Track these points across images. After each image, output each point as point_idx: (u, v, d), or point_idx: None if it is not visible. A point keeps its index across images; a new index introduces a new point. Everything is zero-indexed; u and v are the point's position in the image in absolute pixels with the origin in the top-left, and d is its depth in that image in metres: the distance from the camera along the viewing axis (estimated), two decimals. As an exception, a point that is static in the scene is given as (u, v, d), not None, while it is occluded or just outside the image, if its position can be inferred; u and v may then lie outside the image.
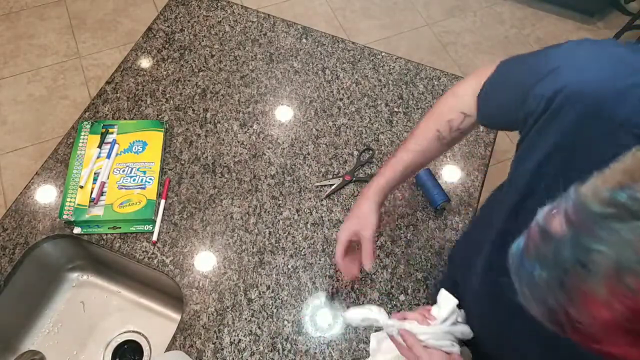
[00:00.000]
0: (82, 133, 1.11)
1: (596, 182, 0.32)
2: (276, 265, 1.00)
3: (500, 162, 2.03)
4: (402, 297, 0.98)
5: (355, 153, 1.15)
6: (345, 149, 1.16)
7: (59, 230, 1.02)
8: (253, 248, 1.02)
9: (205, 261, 1.00)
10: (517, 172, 0.59)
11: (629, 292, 0.28)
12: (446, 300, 0.74)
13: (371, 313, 0.75)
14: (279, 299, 0.97)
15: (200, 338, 0.92)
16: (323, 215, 1.07)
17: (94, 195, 1.03)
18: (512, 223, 0.57)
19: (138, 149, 1.10)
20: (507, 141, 2.16)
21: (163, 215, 1.04)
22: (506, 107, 0.62)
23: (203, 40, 1.31)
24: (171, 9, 1.36)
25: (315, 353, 0.92)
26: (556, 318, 0.33)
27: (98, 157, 1.08)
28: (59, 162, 1.10)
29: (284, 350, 0.92)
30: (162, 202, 1.05)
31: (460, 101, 0.77)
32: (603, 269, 0.29)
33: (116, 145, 1.10)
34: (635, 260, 0.28)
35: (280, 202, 1.08)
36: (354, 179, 1.11)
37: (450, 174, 1.14)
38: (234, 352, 0.91)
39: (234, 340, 0.93)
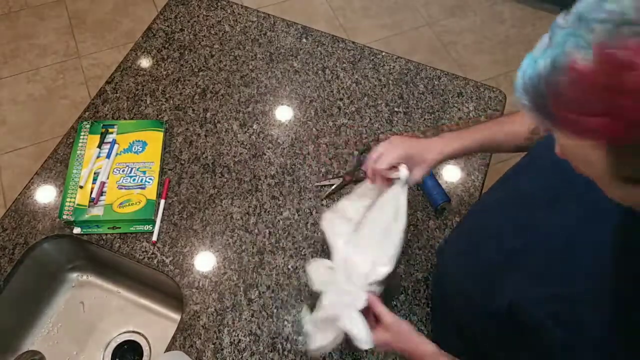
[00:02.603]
0: (82, 133, 1.11)
1: None
2: (276, 265, 1.00)
3: (500, 162, 2.03)
4: (402, 297, 0.98)
5: (355, 153, 1.15)
6: (345, 149, 1.16)
7: (58, 230, 1.02)
8: (253, 248, 1.02)
9: (205, 261, 1.00)
10: None
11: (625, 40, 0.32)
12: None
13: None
14: (279, 299, 0.97)
15: (200, 338, 0.92)
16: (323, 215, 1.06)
17: (93, 195, 1.03)
18: None
19: (138, 149, 1.10)
20: (507, 141, 2.16)
21: (163, 215, 1.04)
22: None
23: (203, 40, 1.31)
24: (171, 8, 1.36)
25: (315, 353, 0.92)
26: (548, 86, 0.37)
27: (98, 157, 1.08)
28: (58, 162, 1.10)
29: (284, 350, 0.92)
30: (162, 202, 1.05)
31: None
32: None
33: (116, 145, 1.10)
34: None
35: (280, 202, 1.08)
36: (354, 179, 1.10)
37: (451, 174, 1.14)
38: (234, 352, 0.91)
39: (234, 340, 0.93)
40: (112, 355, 1.08)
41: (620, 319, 0.49)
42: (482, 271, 0.69)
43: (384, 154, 0.78)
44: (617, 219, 0.51)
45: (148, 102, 1.20)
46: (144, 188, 1.05)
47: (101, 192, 1.04)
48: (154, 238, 1.01)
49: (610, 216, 0.51)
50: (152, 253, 1.00)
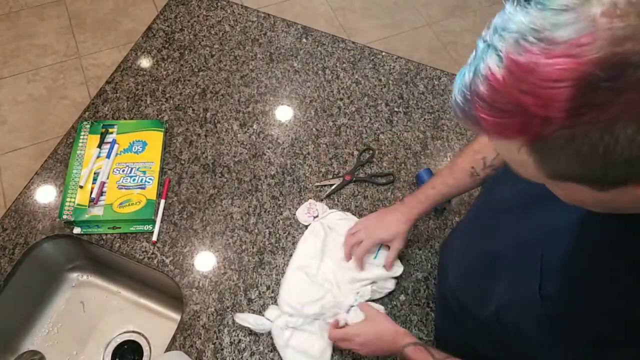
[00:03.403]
0: (82, 133, 1.11)
1: None
2: (276, 265, 1.00)
3: (501, 162, 2.03)
4: (402, 297, 0.98)
5: (356, 153, 1.15)
6: (345, 149, 1.16)
7: (58, 230, 1.02)
8: (253, 248, 1.02)
9: (205, 261, 1.00)
10: None
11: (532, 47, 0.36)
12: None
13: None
14: (279, 299, 0.97)
15: (200, 338, 0.92)
16: (323, 215, 1.06)
17: (93, 195, 1.03)
18: None
19: (138, 149, 1.10)
20: (507, 141, 2.15)
21: (163, 215, 1.04)
22: None
23: (203, 40, 1.31)
24: (171, 8, 1.36)
25: (315, 353, 0.92)
26: (472, 94, 0.40)
27: (98, 157, 1.08)
28: (58, 162, 1.10)
29: (284, 350, 0.92)
30: (162, 202, 1.05)
31: None
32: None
33: (116, 145, 1.10)
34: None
35: (280, 202, 1.08)
36: (354, 179, 1.10)
37: (451, 173, 1.14)
38: (234, 352, 0.91)
39: (234, 340, 0.93)
40: (112, 355, 1.08)
41: (592, 319, 0.50)
42: (474, 279, 0.71)
43: (361, 242, 0.95)
44: (577, 219, 0.52)
45: (148, 102, 1.20)
46: (144, 188, 1.05)
47: (101, 192, 1.04)
48: (154, 238, 1.01)
49: (575, 217, 0.52)
50: (152, 253, 1.00)
